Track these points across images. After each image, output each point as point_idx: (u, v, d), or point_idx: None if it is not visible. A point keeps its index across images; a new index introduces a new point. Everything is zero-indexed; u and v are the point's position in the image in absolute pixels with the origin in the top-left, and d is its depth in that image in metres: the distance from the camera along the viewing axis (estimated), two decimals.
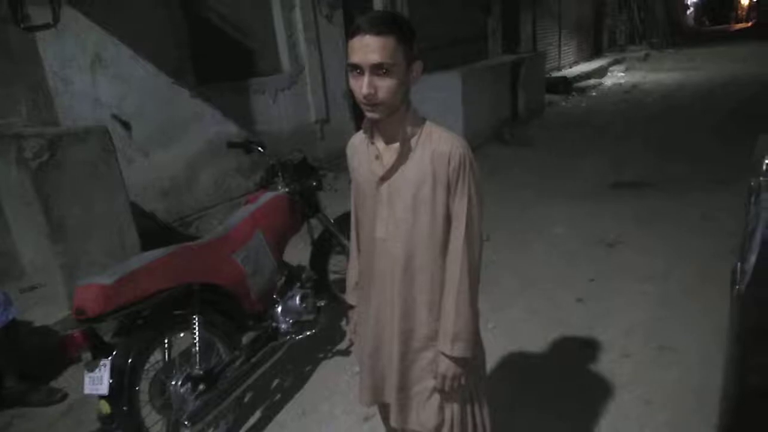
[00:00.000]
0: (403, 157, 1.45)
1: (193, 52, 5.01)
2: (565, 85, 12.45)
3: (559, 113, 10.54)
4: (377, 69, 1.31)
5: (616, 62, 16.99)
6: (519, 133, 8.50)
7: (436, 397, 1.58)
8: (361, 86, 1.33)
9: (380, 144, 1.50)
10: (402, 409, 1.61)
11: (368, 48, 1.30)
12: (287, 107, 6.14)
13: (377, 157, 1.49)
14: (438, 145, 1.43)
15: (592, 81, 13.87)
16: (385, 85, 1.33)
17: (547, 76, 12.07)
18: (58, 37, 3.97)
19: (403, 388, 1.59)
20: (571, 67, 15.55)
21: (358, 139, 1.60)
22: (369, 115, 1.40)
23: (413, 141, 1.45)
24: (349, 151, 1.64)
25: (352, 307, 1.81)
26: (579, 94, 12.27)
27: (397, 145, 1.45)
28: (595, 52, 18.65)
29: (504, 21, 11.67)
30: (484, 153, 7.53)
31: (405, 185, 1.46)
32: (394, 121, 1.43)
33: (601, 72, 15.13)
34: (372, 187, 1.52)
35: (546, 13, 14.08)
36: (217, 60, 5.33)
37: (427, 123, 1.49)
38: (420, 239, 1.48)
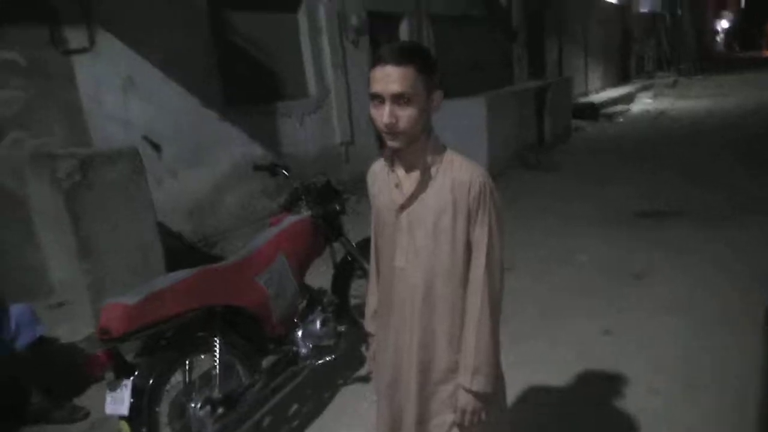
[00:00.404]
0: (423, 185, 1.45)
1: (222, 76, 5.13)
2: (592, 111, 12.39)
3: (586, 139, 10.46)
4: (398, 98, 1.33)
5: (644, 88, 16.86)
6: (544, 159, 8.45)
7: (455, 431, 1.55)
8: (383, 115, 1.35)
9: (401, 172, 1.50)
10: None
11: (389, 78, 1.32)
12: (313, 130, 6.22)
13: (397, 186, 1.49)
14: (458, 173, 1.43)
15: (620, 107, 13.77)
16: (406, 115, 1.34)
17: (574, 101, 12.02)
18: (93, 60, 4.11)
19: (422, 422, 1.56)
20: (598, 93, 15.48)
21: (379, 166, 1.60)
22: (390, 143, 1.41)
23: (434, 169, 1.45)
24: (369, 179, 1.64)
25: (371, 335, 1.80)
26: (606, 120, 12.18)
27: (417, 173, 1.45)
28: (623, 78, 18.55)
29: (530, 47, 11.71)
30: (509, 178, 7.49)
31: (425, 214, 1.45)
32: (415, 149, 1.44)
33: (628, 98, 15.03)
34: (392, 215, 1.51)
35: (572, 38, 14.10)
36: (246, 83, 5.45)
37: (448, 151, 1.49)
38: (440, 268, 1.47)
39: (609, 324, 3.51)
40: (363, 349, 3.29)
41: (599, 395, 2.83)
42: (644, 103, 14.75)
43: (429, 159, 1.45)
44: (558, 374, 3.02)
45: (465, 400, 1.48)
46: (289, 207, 3.09)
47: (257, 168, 3.23)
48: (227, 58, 5.23)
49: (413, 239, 1.48)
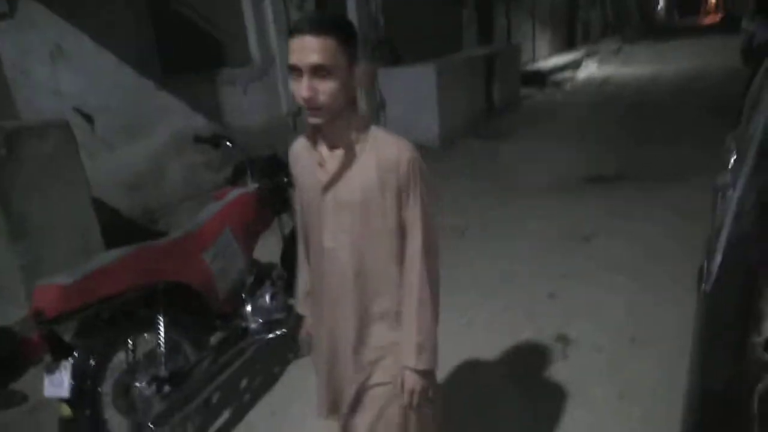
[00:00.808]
0: (347, 163, 1.39)
1: (158, 43, 4.88)
2: (540, 78, 12.54)
3: (535, 106, 10.60)
4: (317, 71, 1.26)
5: (590, 55, 17.16)
6: (495, 127, 8.54)
7: (380, 405, 1.52)
8: (301, 89, 1.28)
9: (324, 150, 1.43)
10: (350, 418, 1.58)
11: (308, 49, 1.24)
12: (258, 99, 6.04)
13: (321, 164, 1.43)
14: (384, 150, 1.38)
15: (567, 74, 14.00)
16: (326, 88, 1.28)
17: (522, 68, 12.13)
18: (16, 28, 3.82)
19: (359, 399, 1.55)
20: (545, 60, 15.66)
21: (301, 144, 1.53)
22: (310, 119, 1.33)
23: (358, 147, 1.39)
24: (291, 158, 1.57)
25: (304, 316, 1.76)
26: (554, 87, 12.36)
27: (341, 151, 1.39)
28: (569, 45, 18.82)
29: (478, 12, 11.67)
30: (460, 146, 7.53)
31: (351, 193, 1.40)
32: (338, 126, 1.37)
33: (575, 65, 15.27)
34: (317, 195, 1.45)
35: (520, 4, 14.13)
36: (185, 50, 5.21)
37: (373, 128, 1.42)
38: (369, 248, 1.43)
39: (556, 287, 3.61)
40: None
41: (547, 355, 2.92)
42: (590, 70, 15.03)
43: (353, 136, 1.39)
44: (508, 336, 3.09)
45: (412, 380, 1.46)
46: (235, 180, 3.00)
47: (198, 140, 3.11)
48: (163, 23, 4.97)
49: (340, 219, 1.43)
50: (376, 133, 1.42)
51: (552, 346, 2.99)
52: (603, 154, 6.66)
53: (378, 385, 1.51)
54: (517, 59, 11.03)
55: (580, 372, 2.75)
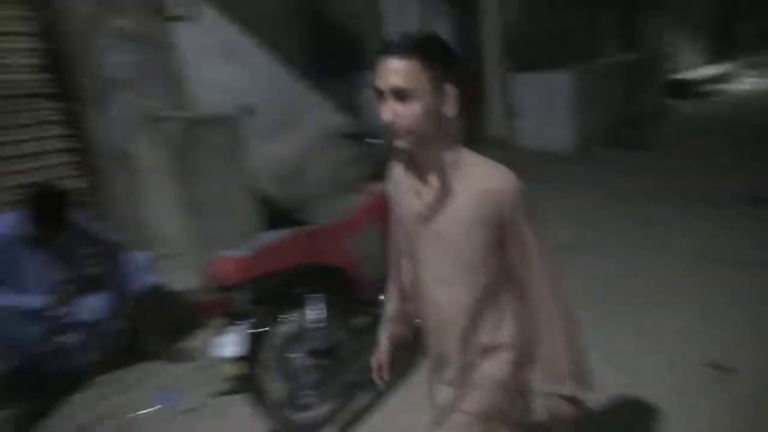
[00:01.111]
0: (443, 194, 1.32)
1: (312, 45, 5.26)
2: (688, 89, 11.67)
3: (681, 118, 9.85)
4: (399, 94, 1.23)
5: (745, 67, 15.63)
6: (636, 138, 8.07)
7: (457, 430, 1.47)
8: (384, 112, 1.25)
9: (418, 178, 1.37)
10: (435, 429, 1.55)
11: (389, 71, 1.22)
12: None
13: (416, 193, 1.37)
14: (485, 181, 1.30)
15: (718, 86, 12.88)
16: (408, 112, 1.23)
17: (667, 77, 11.37)
18: (193, 28, 4.29)
19: (446, 419, 1.52)
20: (692, 70, 14.51)
21: (397, 170, 1.47)
22: (396, 143, 1.28)
23: (454, 176, 1.32)
24: (389, 184, 1.52)
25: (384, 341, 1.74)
26: (703, 99, 11.45)
27: (436, 180, 1.33)
28: (722, 55, 17.25)
29: (621, 17, 11.12)
30: (597, 156, 7.23)
31: (448, 225, 1.33)
32: (429, 151, 1.31)
33: (727, 77, 14.01)
34: (413, 224, 1.40)
35: (668, 10, 13.22)
36: (336, 53, 5.55)
37: (469, 155, 1.34)
38: (465, 281, 1.37)
39: (710, 316, 3.26)
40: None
41: (693, 386, 2.68)
42: (745, 83, 13.71)
43: (447, 163, 1.31)
44: (647, 357, 2.90)
45: (568, 408, 1.42)
46: (380, 176, 3.14)
47: (346, 136, 3.32)
48: (318, 27, 5.34)
49: (435, 250, 1.38)
50: (473, 160, 1.34)
51: (699, 383, 2.71)
52: (761, 175, 5.92)
53: (462, 412, 1.46)
54: (662, 67, 10.37)
55: (739, 403, 2.53)
